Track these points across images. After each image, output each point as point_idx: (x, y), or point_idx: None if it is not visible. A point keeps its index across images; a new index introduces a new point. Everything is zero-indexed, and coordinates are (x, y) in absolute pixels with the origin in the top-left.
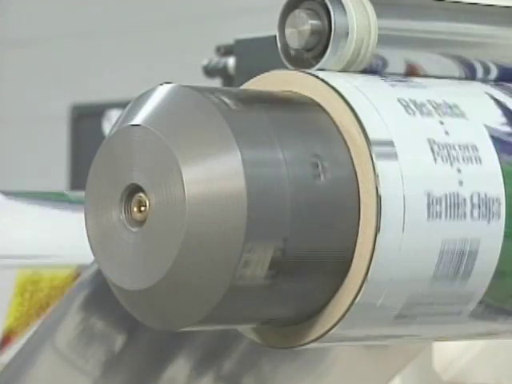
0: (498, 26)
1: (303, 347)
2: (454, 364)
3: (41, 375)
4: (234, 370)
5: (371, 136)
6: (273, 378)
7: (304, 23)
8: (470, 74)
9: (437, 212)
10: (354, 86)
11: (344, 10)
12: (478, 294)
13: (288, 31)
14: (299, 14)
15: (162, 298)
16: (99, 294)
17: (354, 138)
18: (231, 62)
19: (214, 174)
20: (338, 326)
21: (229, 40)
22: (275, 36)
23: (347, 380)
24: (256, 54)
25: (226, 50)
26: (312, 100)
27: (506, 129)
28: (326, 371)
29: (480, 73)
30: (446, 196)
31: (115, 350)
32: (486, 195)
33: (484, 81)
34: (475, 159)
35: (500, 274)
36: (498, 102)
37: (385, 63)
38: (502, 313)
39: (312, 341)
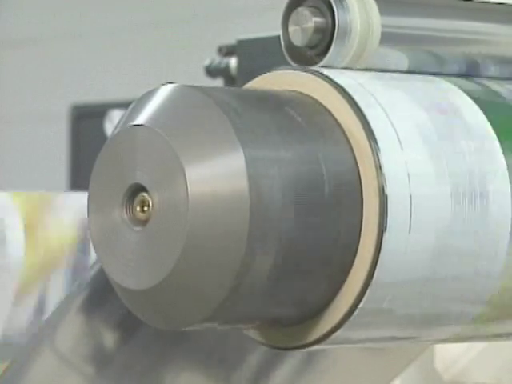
0: (501, 24)
1: (307, 348)
2: (455, 363)
3: (40, 375)
4: (228, 367)
5: (376, 133)
6: (273, 375)
7: (307, 21)
8: (474, 71)
9: (444, 211)
10: (359, 84)
11: (347, 7)
12: (485, 296)
13: (291, 29)
14: (303, 11)
15: (165, 298)
16: (98, 296)
17: (356, 136)
18: (233, 62)
19: (217, 174)
20: (342, 327)
21: (231, 40)
22: (277, 36)
23: (348, 379)
24: (258, 54)
25: (228, 50)
26: (314, 99)
27: None
28: (327, 370)
29: (484, 70)
30: (453, 194)
31: (114, 351)
32: (491, 190)
33: (490, 78)
34: (481, 152)
35: (508, 275)
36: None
37: (388, 60)
38: (509, 315)
39: (315, 341)
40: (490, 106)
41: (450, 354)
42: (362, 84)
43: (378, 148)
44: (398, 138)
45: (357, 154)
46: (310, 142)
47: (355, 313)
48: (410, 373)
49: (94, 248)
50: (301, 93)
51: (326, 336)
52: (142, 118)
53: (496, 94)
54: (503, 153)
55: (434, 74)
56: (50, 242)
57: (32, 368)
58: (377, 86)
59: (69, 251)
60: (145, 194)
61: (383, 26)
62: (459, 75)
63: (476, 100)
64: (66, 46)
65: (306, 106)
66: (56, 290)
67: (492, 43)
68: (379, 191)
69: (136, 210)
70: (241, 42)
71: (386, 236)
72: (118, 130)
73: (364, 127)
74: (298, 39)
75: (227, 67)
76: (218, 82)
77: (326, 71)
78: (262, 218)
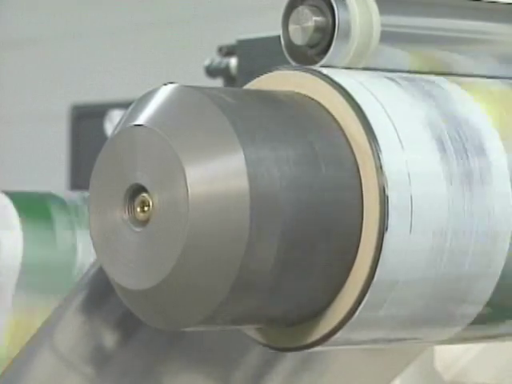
0: (502, 23)
1: (308, 349)
2: (455, 363)
3: (40, 375)
4: (228, 367)
5: (377, 133)
6: (272, 374)
7: (308, 20)
8: (475, 71)
9: (445, 211)
10: (359, 82)
11: (347, 6)
12: (485, 296)
13: (292, 28)
14: (303, 10)
15: (165, 298)
16: (98, 296)
17: (357, 136)
18: (233, 62)
19: (218, 174)
20: (343, 328)
21: (231, 40)
22: (278, 36)
23: (347, 379)
24: (258, 54)
25: (228, 50)
26: (314, 99)
27: None
28: (326, 370)
29: (485, 69)
30: (454, 194)
31: (113, 351)
32: (492, 190)
33: (491, 77)
34: (483, 152)
35: (508, 275)
36: None
37: (389, 60)
38: (509, 315)
39: (315, 342)
40: (491, 105)
41: (450, 354)
42: (362, 83)
43: (379, 148)
44: (399, 138)
45: (357, 154)
46: (310, 142)
47: (356, 313)
48: (409, 373)
49: (94, 248)
50: (301, 93)
51: (327, 337)
52: (142, 118)
53: (498, 92)
54: (505, 151)
55: (435, 74)
56: None
57: (32, 368)
58: (377, 85)
59: None
60: (145, 195)
61: (383, 25)
62: (460, 74)
63: (477, 99)
64: (66, 45)
65: (305, 106)
66: None
67: (493, 42)
68: (380, 192)
69: (136, 210)
70: (241, 42)
71: (387, 236)
72: (118, 130)
73: (364, 127)
74: (298, 38)
75: (227, 67)
76: (218, 82)
77: (325, 70)
78: (262, 218)
